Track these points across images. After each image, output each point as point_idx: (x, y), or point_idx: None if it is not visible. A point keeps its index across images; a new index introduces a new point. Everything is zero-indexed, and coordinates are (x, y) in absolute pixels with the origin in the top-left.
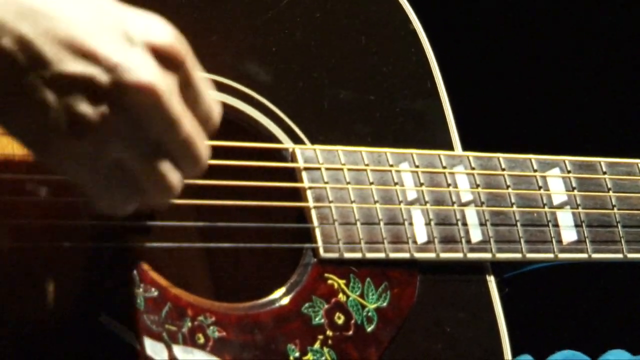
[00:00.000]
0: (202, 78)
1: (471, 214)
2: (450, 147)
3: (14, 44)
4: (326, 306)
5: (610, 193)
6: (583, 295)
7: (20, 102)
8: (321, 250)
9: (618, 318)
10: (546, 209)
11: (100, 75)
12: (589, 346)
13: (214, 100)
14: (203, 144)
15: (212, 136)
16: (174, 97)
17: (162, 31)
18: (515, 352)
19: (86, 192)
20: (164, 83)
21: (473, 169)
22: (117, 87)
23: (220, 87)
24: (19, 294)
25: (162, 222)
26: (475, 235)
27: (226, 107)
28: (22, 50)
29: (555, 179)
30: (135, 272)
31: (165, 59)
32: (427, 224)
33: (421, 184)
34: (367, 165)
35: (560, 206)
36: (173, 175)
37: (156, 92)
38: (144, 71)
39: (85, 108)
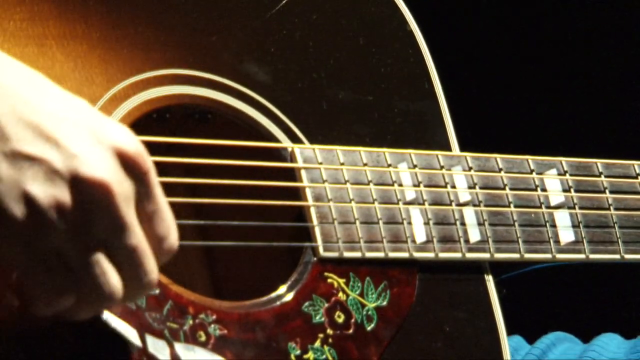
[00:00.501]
0: (163, 197)
1: (469, 214)
2: (448, 147)
3: None
4: (326, 305)
5: (607, 194)
6: (583, 287)
7: None
8: (321, 249)
9: (615, 316)
10: (543, 209)
11: (58, 161)
12: (586, 334)
13: (173, 222)
14: (151, 261)
15: (174, 253)
16: (129, 203)
17: (131, 139)
18: None
19: (21, 278)
20: (121, 185)
21: (471, 169)
22: (72, 176)
23: (220, 87)
24: (20, 291)
25: None
26: (474, 235)
27: (225, 107)
28: None
29: (553, 179)
30: None
31: (128, 165)
32: (426, 223)
33: (419, 184)
34: (365, 164)
35: (558, 207)
36: (112, 279)
37: (110, 191)
38: (102, 167)
39: (36, 188)
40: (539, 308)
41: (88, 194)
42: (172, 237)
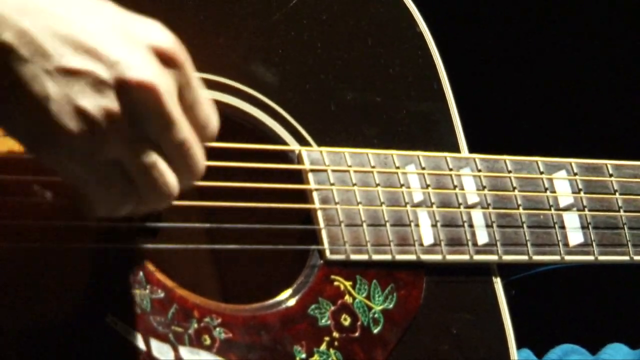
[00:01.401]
0: (200, 85)
1: (477, 216)
2: (456, 149)
3: (15, 37)
4: (332, 308)
5: (617, 195)
6: (589, 297)
7: (21, 94)
8: (327, 252)
9: (623, 318)
10: (552, 211)
11: (102, 71)
12: (594, 345)
13: (212, 107)
14: (199, 150)
15: (214, 140)
16: (173, 97)
17: (164, 34)
18: None
19: (82, 191)
20: (164, 82)
21: (479, 171)
22: (119, 83)
23: (227, 89)
24: (26, 295)
25: (169, 223)
26: (482, 237)
27: (233, 108)
28: (24, 43)
29: (562, 181)
30: (141, 273)
31: (166, 60)
32: (434, 225)
33: (427, 186)
34: (373, 167)
35: (567, 208)
36: (169, 177)
37: (157, 90)
38: (146, 69)
39: (86, 102)
40: (546, 319)
41: (136, 97)
42: (213, 123)
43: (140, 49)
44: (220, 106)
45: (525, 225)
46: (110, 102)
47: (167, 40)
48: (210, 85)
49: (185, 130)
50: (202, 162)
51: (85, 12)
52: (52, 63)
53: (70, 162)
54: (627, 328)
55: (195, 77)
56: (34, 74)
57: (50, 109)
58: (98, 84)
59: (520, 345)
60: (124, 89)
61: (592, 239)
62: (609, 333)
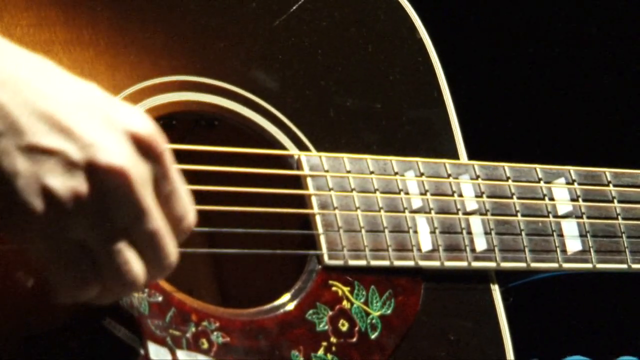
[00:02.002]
0: (179, 177)
1: (476, 223)
2: (455, 155)
3: None
4: (330, 313)
5: (615, 203)
6: (587, 304)
7: None
8: (326, 257)
9: (622, 326)
10: (551, 218)
11: (74, 152)
12: (594, 354)
13: (190, 200)
14: (171, 242)
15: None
16: (146, 187)
17: (144, 122)
18: None
19: (46, 271)
20: (138, 170)
21: (478, 177)
22: (90, 166)
23: (227, 94)
24: (24, 297)
25: None
26: (480, 244)
27: (232, 114)
28: None
29: (561, 188)
30: None
31: (143, 148)
32: (432, 232)
33: (426, 192)
34: (372, 172)
35: (565, 216)
36: (135, 266)
37: (128, 177)
38: (118, 154)
39: (54, 181)
40: (557, 329)
41: (106, 182)
42: (190, 216)
43: (117, 133)
44: (221, 111)
45: (523, 233)
46: (78, 183)
47: (147, 128)
48: (211, 90)
49: (156, 220)
50: (173, 255)
51: (66, 90)
52: (25, 140)
53: (34, 240)
54: (636, 341)
55: (174, 168)
56: (6, 149)
57: (16, 185)
58: (68, 165)
59: (529, 356)
60: (94, 171)
61: (591, 246)
62: (615, 348)
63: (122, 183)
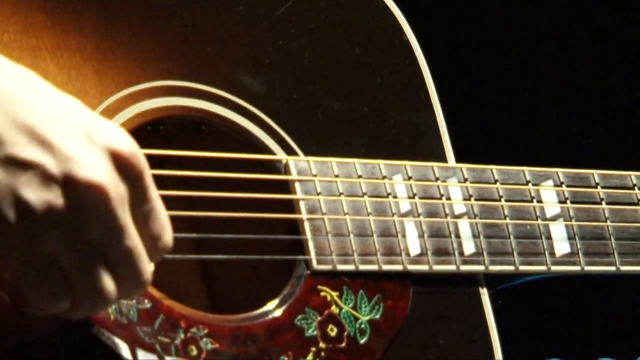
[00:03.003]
0: (158, 197)
1: (464, 226)
2: (443, 158)
3: None
4: (319, 318)
5: (603, 205)
6: (577, 307)
7: None
8: (314, 262)
9: (609, 329)
10: (539, 221)
11: (52, 166)
12: (580, 356)
13: (167, 220)
14: (146, 261)
15: (168, 253)
16: (124, 204)
17: (125, 140)
18: None
19: (16, 283)
20: (115, 188)
21: (466, 180)
22: (67, 180)
23: (214, 98)
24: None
25: None
26: (469, 248)
27: (220, 118)
28: None
29: (549, 190)
30: None
31: (122, 166)
32: (420, 236)
33: (414, 196)
34: (360, 176)
35: (553, 218)
36: (107, 283)
37: (105, 193)
38: (97, 170)
39: (30, 193)
40: (543, 332)
41: (83, 197)
42: (167, 236)
43: (97, 150)
44: (208, 115)
45: (512, 236)
46: (54, 197)
47: (128, 146)
48: (198, 94)
49: (131, 239)
50: (147, 274)
51: (49, 103)
52: (3, 151)
53: (4, 251)
54: (619, 345)
55: (153, 187)
56: None
57: None
58: (46, 178)
59: (518, 359)
60: (72, 186)
61: (579, 249)
62: (601, 350)
63: (99, 199)
